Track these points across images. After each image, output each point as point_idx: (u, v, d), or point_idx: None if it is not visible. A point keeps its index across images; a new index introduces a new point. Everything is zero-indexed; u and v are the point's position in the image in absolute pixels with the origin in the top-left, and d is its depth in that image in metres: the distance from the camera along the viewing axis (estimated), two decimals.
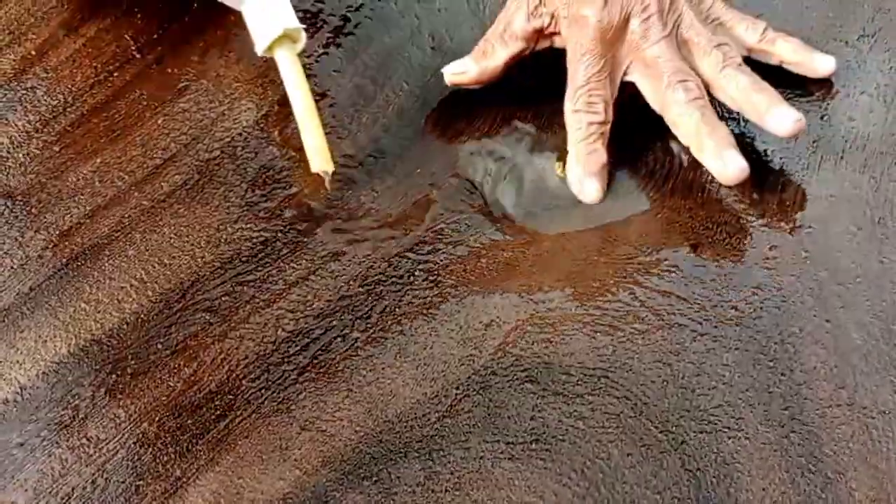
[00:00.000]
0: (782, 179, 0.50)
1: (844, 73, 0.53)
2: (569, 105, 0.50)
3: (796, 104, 0.52)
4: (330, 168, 0.48)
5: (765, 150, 0.51)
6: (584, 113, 0.49)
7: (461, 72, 0.52)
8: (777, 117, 0.48)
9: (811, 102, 0.52)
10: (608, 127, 0.50)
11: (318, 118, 0.48)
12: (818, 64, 0.52)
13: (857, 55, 0.54)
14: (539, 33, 0.51)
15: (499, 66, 0.51)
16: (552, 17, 0.50)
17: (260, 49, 0.49)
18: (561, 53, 0.51)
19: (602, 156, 0.49)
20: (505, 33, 0.51)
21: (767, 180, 0.50)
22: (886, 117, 0.52)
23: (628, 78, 0.50)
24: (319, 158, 0.48)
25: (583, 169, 0.49)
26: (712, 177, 0.49)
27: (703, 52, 0.50)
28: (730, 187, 0.49)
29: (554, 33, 0.51)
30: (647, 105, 0.51)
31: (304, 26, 0.49)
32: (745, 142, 0.51)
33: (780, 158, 0.51)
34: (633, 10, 0.49)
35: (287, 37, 0.49)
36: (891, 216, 0.48)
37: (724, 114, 0.51)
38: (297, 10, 0.50)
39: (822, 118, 0.52)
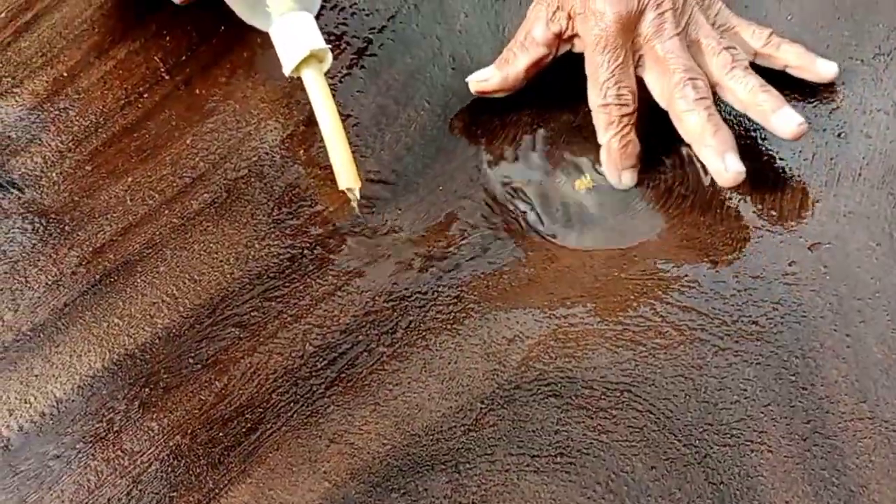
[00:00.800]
0: (801, 196, 0.50)
1: (861, 91, 0.54)
2: (596, 100, 0.51)
3: (814, 122, 0.53)
4: (357, 185, 0.49)
5: (783, 167, 0.51)
6: (614, 106, 0.50)
7: (484, 79, 0.53)
8: (782, 119, 0.49)
9: (829, 120, 0.53)
10: (636, 117, 0.51)
11: (345, 137, 0.49)
12: (821, 68, 0.53)
13: (874, 73, 0.54)
14: (559, 38, 0.52)
15: (520, 72, 0.52)
16: (569, 17, 0.51)
17: (287, 70, 0.50)
18: (579, 63, 0.52)
19: (636, 145, 0.50)
20: (526, 41, 0.52)
21: (786, 197, 0.50)
22: None
23: (638, 72, 0.51)
24: (346, 176, 0.49)
25: (621, 162, 0.50)
26: (731, 193, 0.50)
27: (711, 53, 0.51)
28: (750, 203, 0.50)
29: (573, 36, 0.52)
30: (665, 122, 0.51)
31: (329, 46, 0.50)
32: (764, 159, 0.52)
33: (799, 175, 0.51)
34: (648, 4, 0.50)
35: (314, 57, 0.50)
36: None
37: (732, 119, 0.52)
38: (321, 32, 0.51)
39: (839, 135, 0.52)
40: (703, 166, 0.51)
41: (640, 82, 0.51)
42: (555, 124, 0.53)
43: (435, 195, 0.51)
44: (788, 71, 0.53)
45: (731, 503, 0.41)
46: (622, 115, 0.50)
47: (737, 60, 0.50)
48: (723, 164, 0.49)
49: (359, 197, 0.49)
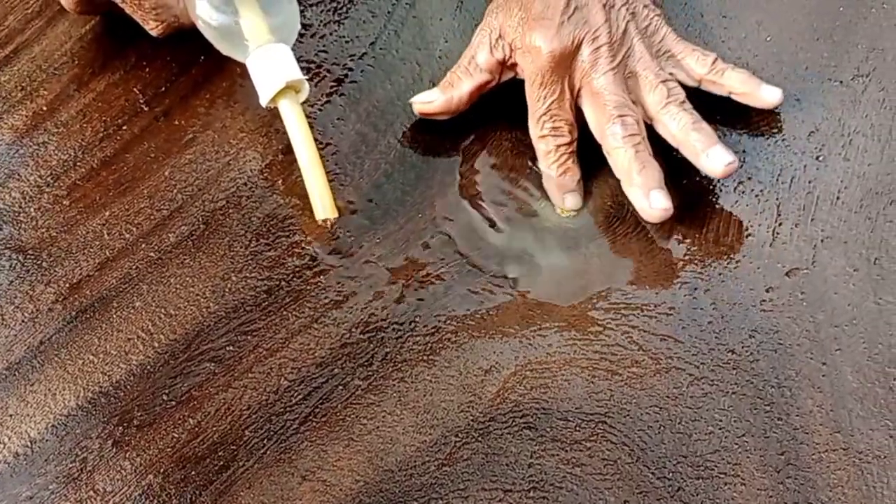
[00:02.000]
0: (778, 220, 0.50)
1: (839, 114, 0.54)
2: (535, 131, 0.52)
3: (792, 145, 0.53)
4: (334, 215, 0.49)
5: (761, 191, 0.51)
6: (550, 137, 0.51)
7: (428, 101, 0.53)
8: (711, 158, 0.49)
9: (807, 142, 0.53)
10: (575, 145, 0.51)
11: (321, 167, 0.49)
12: (765, 95, 0.53)
13: (852, 95, 0.54)
14: (502, 64, 0.53)
15: (464, 95, 0.53)
16: (510, 47, 0.52)
17: (264, 101, 0.50)
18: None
19: (576, 172, 0.51)
20: (470, 65, 0.53)
21: (764, 221, 0.50)
22: (881, 157, 0.52)
23: (579, 103, 0.52)
24: (323, 207, 0.49)
25: (560, 189, 0.51)
26: (711, 221, 0.50)
27: (649, 87, 0.51)
28: (728, 228, 0.50)
29: (514, 64, 0.52)
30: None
31: (306, 77, 0.50)
32: (741, 183, 0.51)
33: (777, 199, 0.51)
34: (584, 38, 0.50)
35: (290, 88, 0.50)
36: (886, 256, 0.49)
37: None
38: (301, 59, 0.51)
39: (817, 158, 0.52)
40: (684, 196, 0.51)
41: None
42: (534, 155, 0.53)
43: (414, 223, 0.51)
44: (733, 97, 0.53)
45: None
46: (558, 146, 0.51)
47: (672, 95, 0.51)
48: (647, 202, 0.49)
49: (334, 226, 0.50)
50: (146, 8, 0.51)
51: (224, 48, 0.52)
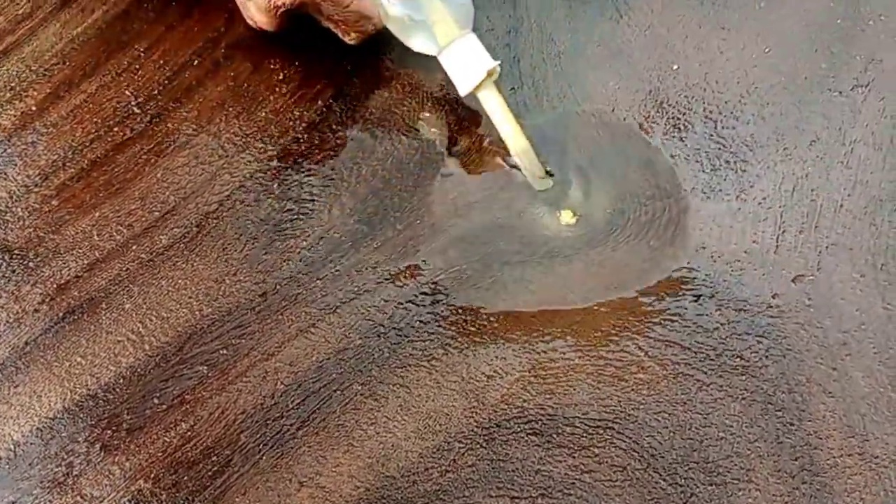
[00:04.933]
0: (782, 227, 0.50)
1: (840, 123, 0.53)
2: None
3: (793, 154, 0.52)
4: (549, 185, 0.51)
5: (763, 199, 0.51)
6: None
7: None
8: None
9: (808, 151, 0.52)
10: None
11: (530, 144, 0.51)
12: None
13: (852, 105, 0.54)
14: None
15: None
16: None
17: (464, 92, 0.51)
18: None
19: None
20: None
21: (768, 229, 0.50)
22: (884, 165, 0.52)
23: None
24: (538, 177, 0.50)
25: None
26: (713, 228, 0.50)
27: None
28: (732, 235, 0.49)
29: None
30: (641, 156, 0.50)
31: (500, 62, 0.51)
32: (745, 191, 0.51)
33: (780, 207, 0.51)
34: None
35: (486, 74, 0.51)
36: (893, 262, 0.48)
37: (713, 150, 0.51)
38: (299, 66, 0.50)
39: (819, 167, 0.52)
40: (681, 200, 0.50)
41: None
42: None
43: (412, 229, 0.50)
44: None
45: None
46: None
47: None
48: None
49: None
50: (350, 21, 0.51)
51: (416, 45, 0.52)
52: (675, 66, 0.55)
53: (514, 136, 0.50)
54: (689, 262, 0.49)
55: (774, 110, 0.54)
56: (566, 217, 0.51)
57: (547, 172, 0.51)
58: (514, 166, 0.52)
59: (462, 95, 0.51)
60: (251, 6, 0.52)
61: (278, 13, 0.51)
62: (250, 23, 0.54)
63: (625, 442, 0.42)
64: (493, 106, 0.51)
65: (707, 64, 0.55)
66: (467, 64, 0.50)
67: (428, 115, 0.54)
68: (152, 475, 0.41)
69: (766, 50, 0.56)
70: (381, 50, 0.56)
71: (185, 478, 0.41)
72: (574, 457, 0.42)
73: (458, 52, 0.51)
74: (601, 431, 0.43)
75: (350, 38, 0.52)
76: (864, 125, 0.54)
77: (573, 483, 0.41)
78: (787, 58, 0.56)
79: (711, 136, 0.53)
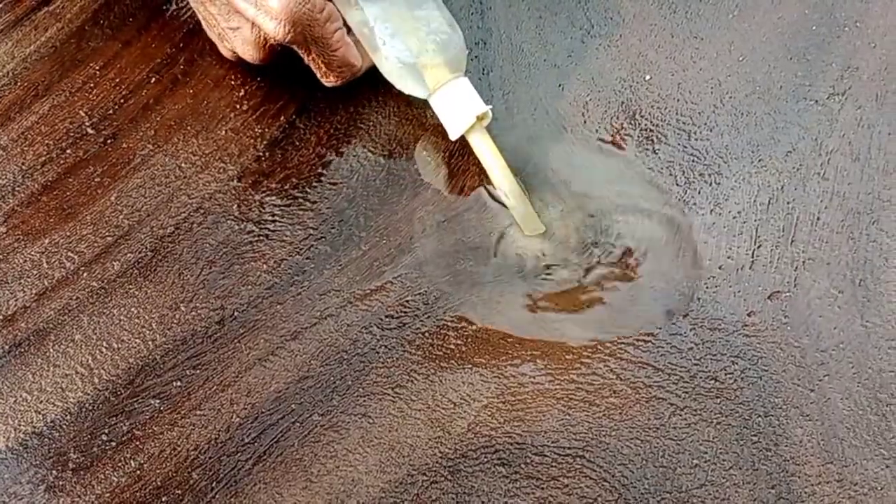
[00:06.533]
0: (757, 242, 0.49)
1: (816, 133, 0.53)
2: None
3: (769, 165, 0.52)
4: (542, 230, 0.50)
5: (738, 212, 0.50)
6: None
7: None
8: None
9: (784, 163, 0.52)
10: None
11: (521, 189, 0.50)
12: None
13: (829, 114, 0.54)
14: None
15: None
16: None
17: (454, 136, 0.50)
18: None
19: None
20: None
21: (743, 244, 0.49)
22: (861, 176, 0.51)
23: None
24: (530, 224, 0.49)
25: None
26: (686, 243, 0.49)
27: None
28: (706, 250, 0.49)
29: None
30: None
31: (491, 107, 0.50)
32: (719, 205, 0.50)
33: (756, 220, 0.50)
34: None
35: (477, 119, 0.50)
36: (871, 277, 0.48)
37: (691, 162, 0.50)
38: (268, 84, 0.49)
39: (795, 179, 0.51)
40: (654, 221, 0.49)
41: None
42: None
43: (378, 249, 0.49)
44: None
45: None
46: None
47: None
48: None
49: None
50: (334, 66, 0.51)
51: (407, 88, 0.52)
52: (648, 77, 0.55)
53: (507, 184, 0.50)
54: (661, 280, 0.48)
55: (749, 120, 0.53)
56: (536, 234, 0.50)
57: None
58: (496, 199, 0.51)
59: (452, 139, 0.50)
60: (236, 39, 0.51)
61: (267, 46, 0.50)
62: (228, 55, 0.53)
63: (595, 472, 0.41)
64: (485, 152, 0.50)
65: (680, 74, 0.55)
66: (458, 107, 0.50)
67: (396, 131, 0.53)
68: None
69: (740, 59, 0.56)
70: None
71: None
72: (542, 489, 0.41)
73: (449, 96, 0.50)
74: (571, 460, 0.42)
75: (328, 81, 0.52)
76: (840, 135, 0.53)
77: None
78: (761, 66, 0.55)
79: (685, 147, 0.52)
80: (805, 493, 0.41)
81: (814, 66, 0.55)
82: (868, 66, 0.55)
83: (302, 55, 0.51)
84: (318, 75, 0.52)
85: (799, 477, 0.41)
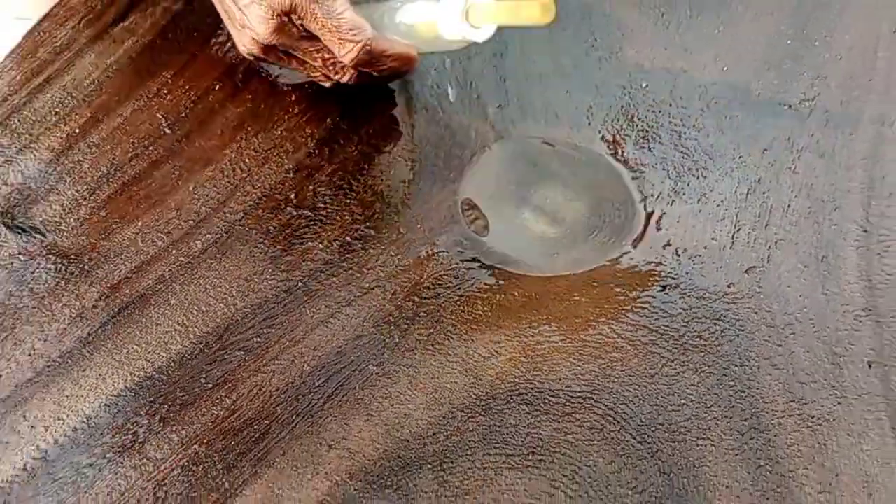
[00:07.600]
0: (737, 226, 0.55)
1: (789, 133, 0.58)
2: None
3: (748, 161, 0.57)
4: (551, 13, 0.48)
5: (721, 201, 0.56)
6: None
7: None
8: None
9: (761, 159, 0.57)
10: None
11: None
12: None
13: (800, 117, 0.59)
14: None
15: None
16: None
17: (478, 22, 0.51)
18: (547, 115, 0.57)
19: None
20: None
21: (725, 227, 0.55)
22: (826, 170, 0.57)
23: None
24: (543, 8, 0.48)
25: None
26: (676, 228, 0.54)
27: None
28: (693, 233, 0.54)
29: None
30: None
31: None
32: (704, 195, 0.56)
33: (736, 208, 0.55)
34: None
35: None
36: (832, 255, 0.53)
37: (679, 156, 0.57)
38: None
39: (770, 172, 0.57)
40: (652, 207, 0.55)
41: None
42: (521, 166, 0.57)
43: (414, 232, 0.54)
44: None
45: (679, 489, 0.46)
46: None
47: None
48: None
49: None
50: (344, 30, 0.52)
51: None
52: (644, 85, 0.60)
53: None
54: (655, 258, 0.53)
55: (731, 123, 0.58)
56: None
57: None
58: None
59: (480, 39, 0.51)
60: (251, 14, 0.52)
61: (275, 15, 0.51)
62: (243, 51, 0.56)
63: (601, 409, 0.48)
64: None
65: (672, 82, 0.60)
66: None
67: (426, 132, 0.58)
68: (206, 441, 0.47)
69: (724, 69, 0.61)
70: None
71: (233, 443, 0.47)
72: (559, 421, 0.48)
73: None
74: (581, 401, 0.48)
75: (348, 56, 0.53)
76: (810, 135, 0.58)
77: (558, 443, 0.47)
78: (742, 75, 0.60)
79: (676, 146, 0.57)
80: (772, 424, 0.47)
81: (788, 75, 0.60)
82: (835, 76, 0.60)
83: (315, 30, 0.52)
84: (339, 54, 0.53)
85: (767, 412, 0.48)
